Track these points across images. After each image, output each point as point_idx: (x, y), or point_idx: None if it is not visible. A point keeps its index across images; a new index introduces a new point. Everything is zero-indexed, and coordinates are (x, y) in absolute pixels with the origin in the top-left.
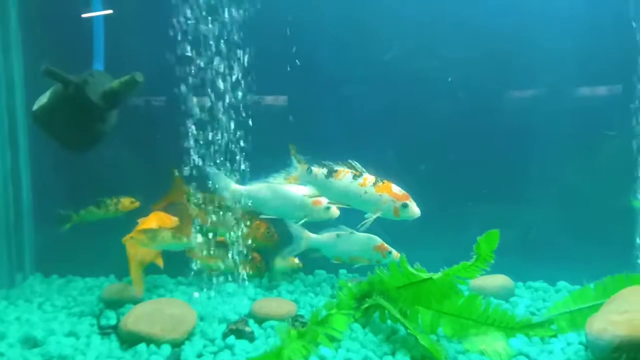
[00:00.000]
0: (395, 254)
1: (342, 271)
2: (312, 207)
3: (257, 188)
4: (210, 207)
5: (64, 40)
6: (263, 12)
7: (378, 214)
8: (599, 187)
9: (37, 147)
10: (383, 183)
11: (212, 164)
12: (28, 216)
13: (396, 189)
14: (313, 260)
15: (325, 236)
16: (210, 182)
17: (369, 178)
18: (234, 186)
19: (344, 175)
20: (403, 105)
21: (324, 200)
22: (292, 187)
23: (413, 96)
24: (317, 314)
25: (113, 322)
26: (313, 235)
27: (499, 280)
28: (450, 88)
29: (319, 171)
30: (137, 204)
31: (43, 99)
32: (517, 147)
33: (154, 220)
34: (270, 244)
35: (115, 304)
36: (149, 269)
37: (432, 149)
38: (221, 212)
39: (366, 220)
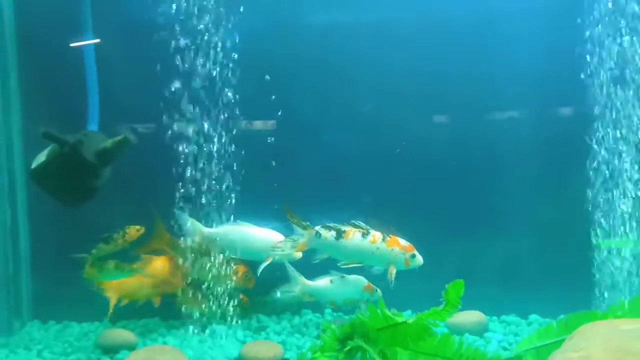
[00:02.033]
0: (379, 292)
1: (328, 311)
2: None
3: (224, 230)
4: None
5: (61, 102)
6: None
7: (394, 270)
8: (570, 221)
9: (35, 203)
10: (390, 237)
11: (180, 207)
12: (26, 266)
13: (402, 241)
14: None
15: (320, 282)
16: (178, 225)
17: (377, 234)
18: (202, 229)
19: (353, 235)
20: (375, 144)
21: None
22: (258, 229)
23: (386, 134)
24: (302, 358)
25: None
26: (308, 282)
27: (474, 317)
28: (421, 124)
29: (328, 234)
30: (143, 230)
31: (41, 157)
32: (490, 182)
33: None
34: (249, 287)
35: (111, 349)
36: (142, 312)
37: (406, 185)
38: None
39: (391, 277)
